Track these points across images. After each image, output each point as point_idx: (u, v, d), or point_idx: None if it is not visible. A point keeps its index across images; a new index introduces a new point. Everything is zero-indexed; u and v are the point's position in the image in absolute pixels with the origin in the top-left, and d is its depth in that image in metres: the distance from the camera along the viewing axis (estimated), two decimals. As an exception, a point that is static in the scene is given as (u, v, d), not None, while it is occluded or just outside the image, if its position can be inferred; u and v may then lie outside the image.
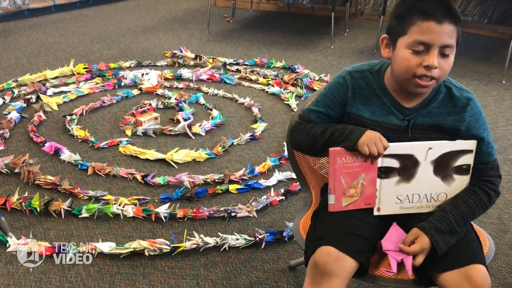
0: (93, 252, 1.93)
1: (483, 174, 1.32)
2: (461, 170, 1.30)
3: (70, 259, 1.90)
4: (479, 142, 1.29)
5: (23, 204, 2.16)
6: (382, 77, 1.31)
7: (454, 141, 1.28)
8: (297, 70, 3.89)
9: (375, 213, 1.32)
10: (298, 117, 1.43)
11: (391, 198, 1.32)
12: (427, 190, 1.31)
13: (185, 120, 2.97)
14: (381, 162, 1.28)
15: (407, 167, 1.29)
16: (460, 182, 1.32)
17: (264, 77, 3.75)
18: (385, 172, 1.29)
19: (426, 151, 1.27)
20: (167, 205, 2.20)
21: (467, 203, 1.28)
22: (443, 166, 1.30)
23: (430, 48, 1.17)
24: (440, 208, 1.31)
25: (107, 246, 1.94)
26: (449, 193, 1.32)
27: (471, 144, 1.28)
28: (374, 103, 1.32)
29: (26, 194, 2.25)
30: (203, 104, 3.27)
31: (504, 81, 3.85)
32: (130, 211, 2.15)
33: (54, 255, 1.91)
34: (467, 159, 1.30)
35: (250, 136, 2.86)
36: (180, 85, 3.56)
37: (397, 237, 1.29)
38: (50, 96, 3.31)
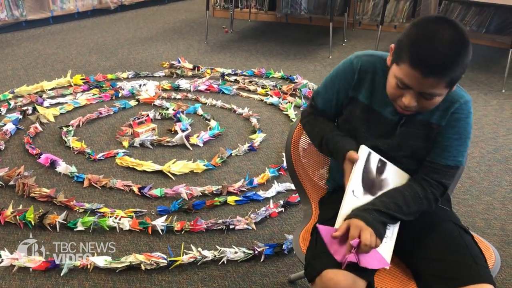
0: (89, 266, 1.88)
1: (429, 174, 1.29)
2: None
3: (65, 274, 1.85)
4: (443, 143, 1.27)
5: (17, 217, 2.13)
6: (388, 67, 1.28)
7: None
8: (296, 80, 3.87)
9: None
10: (308, 103, 1.48)
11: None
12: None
13: (182, 131, 2.94)
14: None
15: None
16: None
17: (262, 88, 3.73)
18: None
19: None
20: (164, 217, 2.16)
21: (398, 190, 1.28)
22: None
23: (410, 89, 1.17)
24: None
25: (102, 260, 1.90)
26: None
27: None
28: (375, 90, 1.32)
29: (20, 207, 2.22)
30: (201, 115, 3.24)
31: (503, 91, 3.83)
32: (126, 224, 2.11)
33: (49, 269, 1.87)
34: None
35: (248, 147, 2.83)
36: (178, 96, 3.53)
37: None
38: (47, 107, 3.28)
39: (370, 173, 1.29)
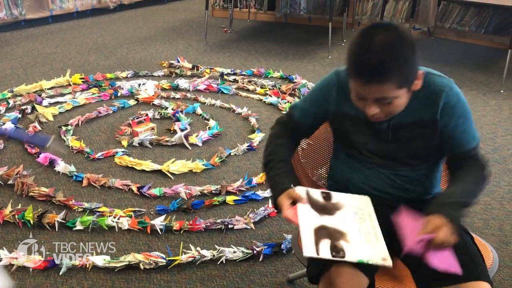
0: (87, 265, 1.89)
1: (463, 163, 1.29)
2: None
3: (64, 273, 1.86)
4: (454, 132, 1.28)
5: (16, 216, 2.13)
6: None
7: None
8: (295, 80, 3.87)
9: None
10: (285, 114, 1.48)
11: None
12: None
13: (182, 130, 2.94)
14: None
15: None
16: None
17: (261, 87, 3.73)
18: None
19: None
20: (163, 217, 2.16)
21: (464, 179, 1.27)
22: None
23: (367, 99, 1.19)
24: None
25: (101, 260, 1.90)
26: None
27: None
28: None
29: (19, 206, 2.22)
30: (200, 115, 3.24)
31: (502, 91, 3.84)
32: (125, 223, 2.12)
33: (47, 269, 1.87)
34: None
35: (247, 146, 2.83)
36: (177, 96, 3.53)
37: (413, 229, 1.19)
38: (46, 106, 3.28)
39: (317, 202, 1.28)
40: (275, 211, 1.34)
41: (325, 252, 1.15)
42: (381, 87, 1.15)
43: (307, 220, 1.22)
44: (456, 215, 1.18)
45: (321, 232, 1.20)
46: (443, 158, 1.40)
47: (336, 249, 1.16)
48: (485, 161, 1.31)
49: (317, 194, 1.31)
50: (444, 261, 1.13)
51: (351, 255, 1.15)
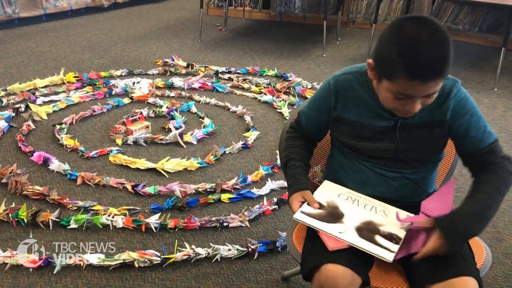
0: (82, 264, 1.88)
1: (484, 161, 1.27)
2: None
3: (58, 272, 1.85)
4: (468, 130, 1.26)
5: (10, 215, 2.12)
6: (370, 79, 1.27)
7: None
8: (290, 79, 3.88)
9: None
10: (294, 118, 1.49)
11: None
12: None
13: (176, 128, 2.94)
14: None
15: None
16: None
17: (256, 86, 3.73)
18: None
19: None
20: (157, 215, 2.16)
21: (485, 190, 1.23)
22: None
23: (413, 98, 1.15)
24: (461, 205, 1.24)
25: (96, 258, 1.90)
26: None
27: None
28: (359, 106, 1.32)
29: (13, 205, 2.21)
30: (195, 113, 3.24)
31: (496, 89, 3.86)
32: (119, 221, 2.11)
33: (42, 267, 1.86)
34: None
35: (242, 144, 2.83)
36: (172, 94, 3.53)
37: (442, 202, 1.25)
38: (40, 105, 3.27)
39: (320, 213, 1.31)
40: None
41: (392, 246, 1.20)
42: (438, 82, 1.12)
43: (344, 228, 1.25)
44: (462, 243, 1.21)
45: (362, 232, 1.24)
46: (441, 159, 1.40)
47: (391, 237, 1.22)
48: (507, 156, 1.28)
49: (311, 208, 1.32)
50: (416, 242, 1.21)
51: (399, 233, 1.23)
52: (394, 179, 1.35)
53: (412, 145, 1.31)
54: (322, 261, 1.19)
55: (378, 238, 1.22)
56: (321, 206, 1.32)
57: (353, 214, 1.30)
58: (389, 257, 1.18)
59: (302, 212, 1.29)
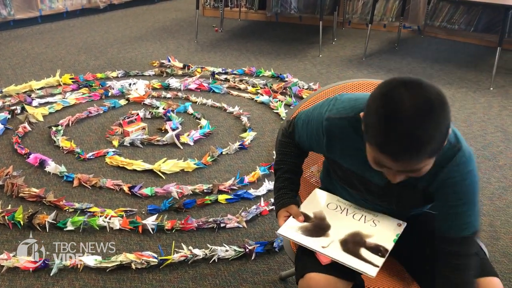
0: (79, 266, 1.87)
1: (446, 249, 1.14)
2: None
3: (55, 274, 1.84)
4: (449, 209, 1.13)
5: (6, 217, 2.11)
6: None
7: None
8: (286, 79, 3.88)
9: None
10: (290, 120, 1.42)
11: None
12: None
13: (173, 130, 2.94)
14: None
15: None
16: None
17: (253, 86, 3.73)
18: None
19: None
20: (154, 216, 2.16)
21: None
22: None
23: (391, 169, 1.02)
24: None
25: (92, 260, 1.89)
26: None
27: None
28: (352, 155, 1.20)
29: (9, 207, 2.20)
30: (192, 114, 3.24)
31: (491, 88, 3.87)
32: (116, 223, 2.11)
33: (38, 270, 1.85)
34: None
35: (239, 145, 2.83)
36: (168, 95, 3.52)
37: None
38: (36, 107, 3.26)
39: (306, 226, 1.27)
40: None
41: (377, 259, 1.16)
42: (415, 162, 0.97)
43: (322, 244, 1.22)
44: None
45: (347, 245, 1.20)
46: None
47: (377, 250, 1.19)
48: (476, 259, 1.16)
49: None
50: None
51: (387, 245, 1.20)
52: (388, 209, 1.31)
53: (402, 199, 1.22)
54: (305, 269, 1.19)
55: (363, 251, 1.18)
56: (307, 219, 1.28)
57: (340, 225, 1.26)
58: (372, 272, 1.13)
59: (287, 226, 1.26)
